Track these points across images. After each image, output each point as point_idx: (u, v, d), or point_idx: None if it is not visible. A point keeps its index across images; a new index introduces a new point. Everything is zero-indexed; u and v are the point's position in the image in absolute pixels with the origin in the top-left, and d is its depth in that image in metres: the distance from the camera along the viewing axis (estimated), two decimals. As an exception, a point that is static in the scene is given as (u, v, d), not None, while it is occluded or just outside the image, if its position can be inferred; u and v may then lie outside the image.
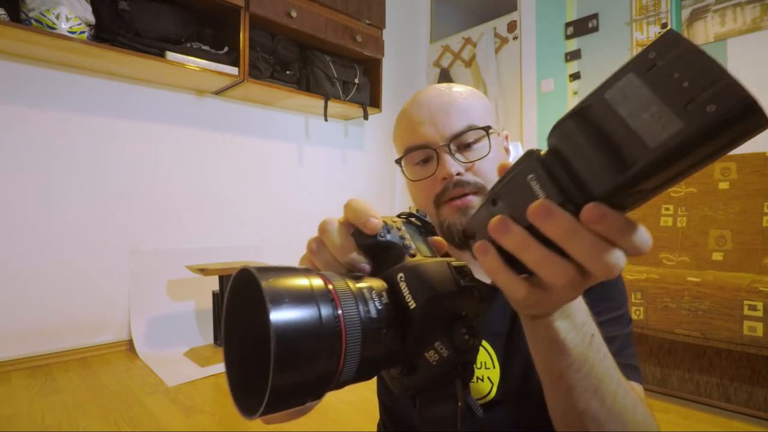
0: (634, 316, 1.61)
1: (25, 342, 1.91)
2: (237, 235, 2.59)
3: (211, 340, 2.20)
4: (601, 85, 0.21)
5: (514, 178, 0.25)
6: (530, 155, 0.24)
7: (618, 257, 0.22)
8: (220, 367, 1.92)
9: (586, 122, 0.22)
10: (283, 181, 2.81)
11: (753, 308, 1.38)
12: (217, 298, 2.17)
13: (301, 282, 0.24)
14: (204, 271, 2.01)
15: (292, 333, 0.22)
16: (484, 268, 0.26)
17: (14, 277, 1.89)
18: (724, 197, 1.92)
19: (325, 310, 0.23)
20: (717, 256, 1.87)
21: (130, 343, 2.15)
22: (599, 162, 0.21)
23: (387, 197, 3.46)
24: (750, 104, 0.17)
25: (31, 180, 1.94)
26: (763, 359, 1.46)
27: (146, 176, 2.26)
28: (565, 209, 0.22)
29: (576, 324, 0.34)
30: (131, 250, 2.20)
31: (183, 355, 2.08)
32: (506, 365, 0.55)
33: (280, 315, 0.22)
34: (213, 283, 2.22)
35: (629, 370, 0.49)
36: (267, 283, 0.22)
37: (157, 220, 2.29)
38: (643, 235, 0.22)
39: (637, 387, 0.48)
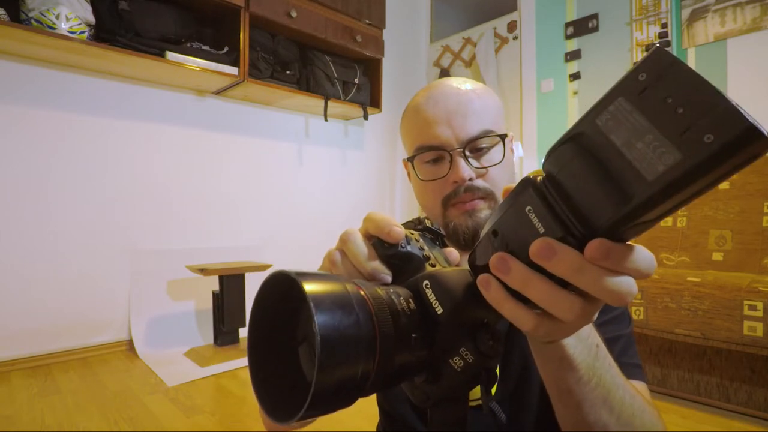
0: (634, 316, 1.61)
1: (25, 342, 1.91)
2: (237, 235, 2.59)
3: (211, 340, 2.20)
4: (592, 108, 0.21)
5: (512, 209, 0.24)
6: (527, 184, 0.24)
7: (629, 284, 0.22)
8: (220, 367, 1.92)
9: (581, 150, 0.21)
10: (283, 181, 2.80)
11: (753, 308, 1.38)
12: (217, 298, 2.17)
13: (338, 287, 0.24)
14: (204, 271, 2.01)
15: (336, 337, 0.22)
16: (490, 302, 0.25)
17: (14, 277, 1.89)
18: (724, 197, 1.92)
19: (363, 315, 0.24)
20: (717, 256, 1.87)
21: (130, 343, 2.15)
22: (597, 194, 0.20)
23: (387, 197, 3.46)
24: (748, 129, 0.16)
25: (31, 180, 1.94)
26: (763, 359, 1.46)
27: (146, 176, 2.26)
28: (567, 243, 0.22)
29: (582, 338, 0.34)
30: (131, 250, 2.20)
31: (183, 355, 2.08)
32: (505, 365, 0.56)
33: (324, 318, 0.22)
34: (213, 283, 2.22)
35: (633, 369, 0.49)
36: (310, 287, 0.22)
37: (157, 220, 2.29)
38: (647, 259, 0.22)
39: (641, 386, 0.48)
